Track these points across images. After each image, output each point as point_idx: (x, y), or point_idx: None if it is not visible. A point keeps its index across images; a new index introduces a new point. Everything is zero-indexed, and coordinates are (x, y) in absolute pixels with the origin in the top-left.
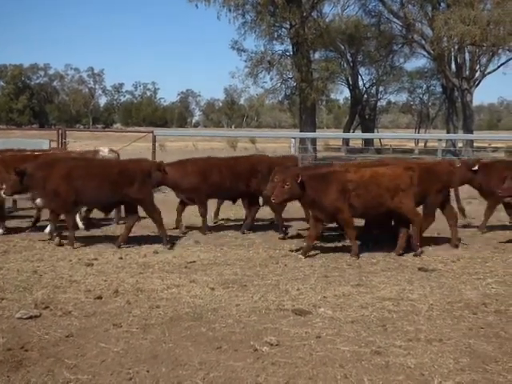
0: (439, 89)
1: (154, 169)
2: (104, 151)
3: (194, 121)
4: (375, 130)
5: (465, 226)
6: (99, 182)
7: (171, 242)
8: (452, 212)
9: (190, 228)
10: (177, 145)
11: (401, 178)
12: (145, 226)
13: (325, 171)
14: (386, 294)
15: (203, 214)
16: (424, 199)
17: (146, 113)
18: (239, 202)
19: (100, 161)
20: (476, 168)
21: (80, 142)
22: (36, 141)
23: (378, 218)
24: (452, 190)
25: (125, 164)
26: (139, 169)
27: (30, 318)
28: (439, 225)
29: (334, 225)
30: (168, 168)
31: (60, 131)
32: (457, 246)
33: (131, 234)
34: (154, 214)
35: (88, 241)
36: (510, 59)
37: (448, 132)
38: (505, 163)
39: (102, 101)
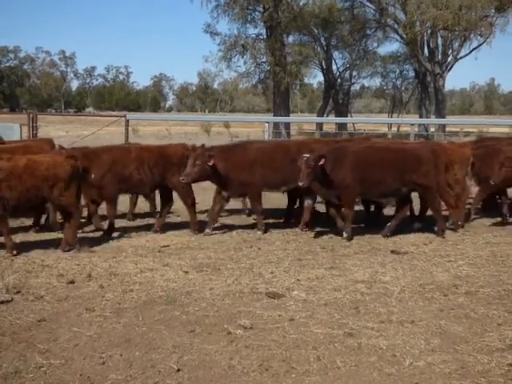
0: (412, 73)
1: None
2: None
3: (167, 105)
4: (349, 115)
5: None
6: None
7: None
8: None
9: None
10: (150, 129)
11: (61, 167)
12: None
13: None
14: (359, 276)
15: None
16: (162, 183)
17: (118, 97)
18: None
19: None
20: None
21: (52, 126)
22: (6, 125)
23: None
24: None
25: None
26: None
27: (2, 302)
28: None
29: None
30: None
31: (31, 115)
32: (197, 230)
33: (103, 221)
34: None
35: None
36: (481, 44)
37: (421, 117)
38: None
39: (74, 84)
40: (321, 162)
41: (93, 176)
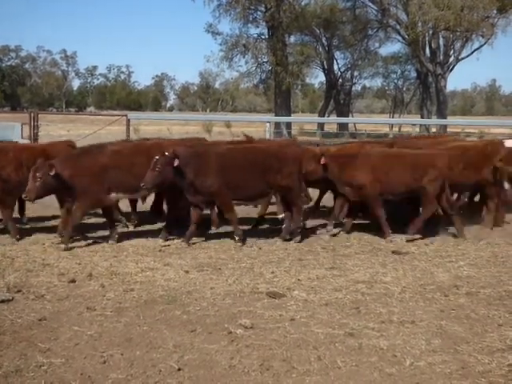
0: (413, 74)
1: None
2: None
3: (168, 105)
4: (350, 115)
5: None
6: None
7: None
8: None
9: None
10: (151, 129)
11: None
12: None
13: None
14: (360, 276)
15: None
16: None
17: (120, 96)
18: None
19: None
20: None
21: (54, 125)
22: (7, 124)
23: None
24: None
25: None
26: None
27: (2, 301)
28: None
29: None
30: None
31: (32, 114)
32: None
33: (103, 219)
34: None
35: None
36: (483, 45)
37: (422, 117)
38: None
39: (76, 84)
40: (175, 164)
41: None
